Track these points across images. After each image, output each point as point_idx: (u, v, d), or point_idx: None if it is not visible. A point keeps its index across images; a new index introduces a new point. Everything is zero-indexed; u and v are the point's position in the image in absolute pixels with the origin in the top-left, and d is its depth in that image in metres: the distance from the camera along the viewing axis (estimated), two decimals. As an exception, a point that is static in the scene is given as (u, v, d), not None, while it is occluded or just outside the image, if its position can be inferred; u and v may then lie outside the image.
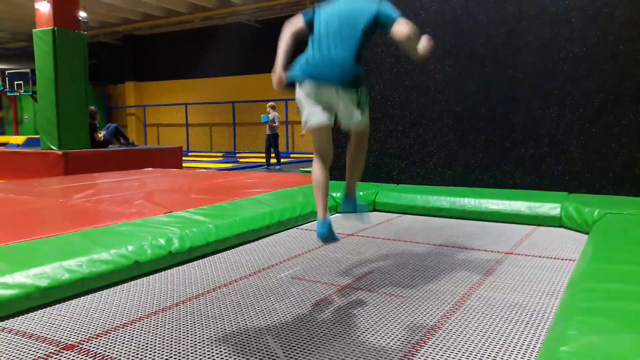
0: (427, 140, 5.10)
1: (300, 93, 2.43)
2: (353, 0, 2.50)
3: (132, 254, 2.64)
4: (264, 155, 13.04)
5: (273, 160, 12.28)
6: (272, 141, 12.00)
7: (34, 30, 8.38)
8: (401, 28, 2.28)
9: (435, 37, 4.91)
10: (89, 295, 2.41)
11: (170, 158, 9.39)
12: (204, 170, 9.49)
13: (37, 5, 8.51)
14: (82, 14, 10.13)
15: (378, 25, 2.40)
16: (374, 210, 4.68)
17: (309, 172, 11.10)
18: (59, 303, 2.31)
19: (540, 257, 3.06)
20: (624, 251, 2.55)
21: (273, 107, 12.29)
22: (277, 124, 12.08)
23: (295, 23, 2.57)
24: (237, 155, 17.03)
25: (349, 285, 2.56)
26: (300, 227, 3.97)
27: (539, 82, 4.49)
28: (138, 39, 21.12)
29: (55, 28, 8.15)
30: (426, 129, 5.10)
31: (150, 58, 21.29)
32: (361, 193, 4.65)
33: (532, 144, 4.57)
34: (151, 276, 2.71)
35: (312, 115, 2.42)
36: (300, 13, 2.61)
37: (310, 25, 2.53)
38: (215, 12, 17.57)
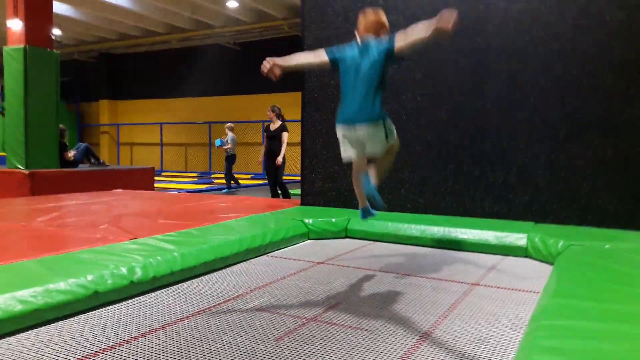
0: (399, 167, 5.14)
1: (339, 133, 2.96)
2: (367, 48, 2.88)
3: (92, 283, 2.56)
4: (240, 177, 12.94)
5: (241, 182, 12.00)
6: (228, 163, 11.60)
7: (4, 47, 8.26)
8: (402, 38, 2.78)
9: (407, 67, 5.03)
10: (43, 328, 2.33)
11: (142, 179, 9.25)
12: (176, 192, 9.38)
13: (9, 23, 8.39)
14: (56, 32, 10.01)
15: (391, 58, 2.84)
16: (346, 237, 4.67)
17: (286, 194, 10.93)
18: (10, 336, 2.22)
19: (505, 289, 3.08)
20: (586, 286, 2.57)
21: (231, 128, 11.89)
22: (230, 146, 11.52)
23: (320, 54, 3.02)
24: (213, 176, 16.91)
25: (314, 318, 2.52)
26: (270, 254, 3.92)
27: (506, 112, 4.59)
28: (114, 57, 21.01)
29: (27, 46, 8.04)
30: (398, 155, 5.12)
31: (126, 77, 21.16)
32: (333, 219, 4.65)
33: (501, 173, 4.64)
34: (111, 307, 2.63)
35: (344, 152, 2.98)
36: (322, 49, 3.05)
37: (334, 64, 2.97)
38: (193, 33, 17.62)
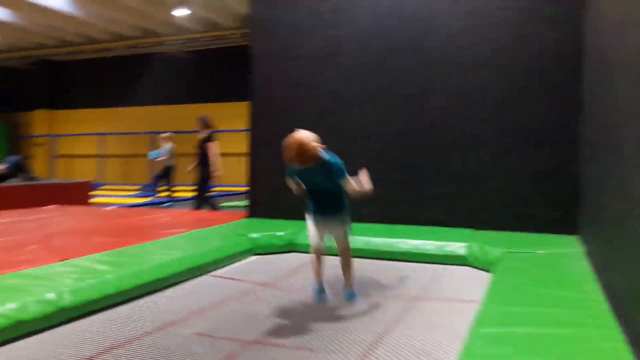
0: (345, 180, 5.15)
1: (308, 221, 3.21)
2: (315, 170, 2.99)
3: (14, 312, 2.36)
4: (185, 189, 12.46)
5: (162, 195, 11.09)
6: (164, 173, 10.90)
7: None
8: (353, 186, 3.07)
9: (353, 81, 5.06)
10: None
11: (77, 193, 8.82)
12: (114, 207, 8.99)
13: None
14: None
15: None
16: (292, 251, 4.59)
17: (232, 207, 10.68)
18: None
19: (446, 299, 3.12)
20: (520, 292, 2.69)
21: (168, 139, 11.15)
22: (166, 157, 10.78)
23: (293, 185, 3.22)
24: (156, 189, 16.40)
25: (257, 341, 2.44)
26: (213, 273, 3.77)
27: (447, 125, 4.74)
28: (53, 64, 20.05)
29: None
30: (345, 166, 5.14)
31: (66, 85, 20.25)
32: (279, 233, 4.56)
33: (441, 183, 4.76)
34: (36, 336, 2.43)
35: (311, 238, 3.18)
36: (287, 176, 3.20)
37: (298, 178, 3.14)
38: (140, 41, 17.11)
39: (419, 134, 4.83)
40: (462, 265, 3.99)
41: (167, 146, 10.93)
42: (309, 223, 3.18)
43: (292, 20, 5.34)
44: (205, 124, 7.66)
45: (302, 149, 2.84)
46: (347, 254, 3.20)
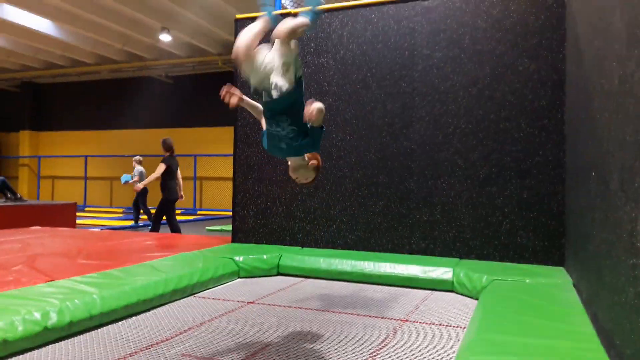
0: (330, 204, 5.22)
1: None
2: None
3: (0, 331, 2.37)
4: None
5: (144, 218, 11.01)
6: (138, 197, 10.86)
7: None
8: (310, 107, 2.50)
9: (337, 107, 5.18)
10: (-58, 383, 2.13)
11: (63, 215, 8.78)
12: (99, 229, 8.95)
13: None
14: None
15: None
16: (278, 274, 4.64)
17: (217, 230, 10.68)
18: None
19: (433, 324, 3.16)
20: (508, 320, 2.67)
21: (139, 162, 11.20)
22: (136, 179, 10.69)
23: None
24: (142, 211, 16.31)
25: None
26: (197, 295, 3.81)
27: (430, 153, 4.81)
28: (38, 86, 20.06)
29: (-61, 73, 7.54)
30: (329, 193, 5.23)
31: (51, 107, 20.21)
32: (264, 257, 4.61)
33: (426, 211, 4.82)
34: (21, 355, 2.45)
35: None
36: None
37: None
38: (125, 65, 17.22)
39: (402, 160, 4.91)
40: (448, 291, 4.04)
41: (138, 169, 10.94)
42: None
43: (279, 47, 5.46)
44: (165, 146, 7.69)
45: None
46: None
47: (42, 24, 13.78)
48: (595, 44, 2.67)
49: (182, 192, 7.80)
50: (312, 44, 5.31)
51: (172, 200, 7.61)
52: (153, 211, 8.45)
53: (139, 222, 11.34)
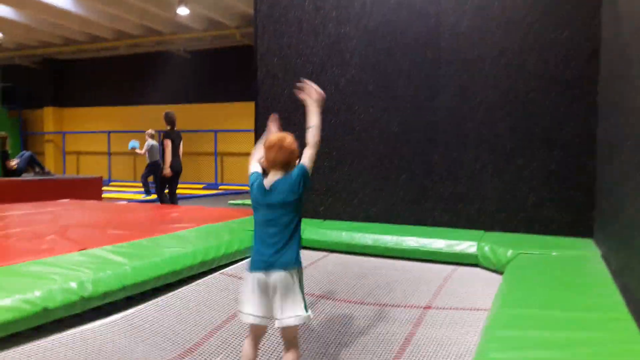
0: (352, 178, 5.20)
1: (247, 281, 2.29)
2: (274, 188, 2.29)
3: (40, 299, 2.44)
4: (192, 187, 12.55)
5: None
6: (150, 172, 11.01)
7: (-61, 50, 7.81)
8: (307, 156, 2.29)
9: (360, 78, 5.12)
10: None
11: (89, 189, 8.93)
12: (125, 202, 9.10)
13: (-56, 24, 7.95)
14: (-3, 35, 9.57)
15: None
16: (302, 248, 4.63)
17: (238, 204, 10.84)
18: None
19: (457, 309, 3.02)
20: (534, 294, 2.63)
21: (151, 136, 11.38)
22: (142, 152, 11.08)
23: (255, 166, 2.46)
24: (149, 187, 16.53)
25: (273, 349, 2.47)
26: (223, 272, 3.81)
27: (456, 125, 4.74)
28: (59, 63, 20.21)
29: (-36, 49, 7.64)
30: (351, 166, 5.21)
31: (72, 83, 20.40)
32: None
33: (450, 183, 4.77)
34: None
35: (244, 306, 2.26)
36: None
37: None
38: (143, 40, 17.22)
39: (427, 132, 4.85)
40: (472, 265, 3.95)
41: (149, 142, 11.11)
42: (245, 284, 2.22)
43: (297, 17, 5.38)
44: (166, 119, 7.90)
45: (282, 142, 2.26)
46: (294, 352, 2.18)
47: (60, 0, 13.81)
48: (637, 9, 2.56)
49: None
50: (334, 13, 5.22)
51: (175, 171, 7.80)
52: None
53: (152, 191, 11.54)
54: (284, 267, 2.12)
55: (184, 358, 2.48)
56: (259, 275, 2.14)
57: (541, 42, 4.43)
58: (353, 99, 5.10)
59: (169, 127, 7.98)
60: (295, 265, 2.16)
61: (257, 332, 2.22)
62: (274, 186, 2.24)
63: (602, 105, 4.00)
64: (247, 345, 2.21)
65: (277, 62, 5.50)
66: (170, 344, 2.58)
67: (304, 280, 2.20)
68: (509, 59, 4.53)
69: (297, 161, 2.28)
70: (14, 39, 17.66)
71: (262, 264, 2.15)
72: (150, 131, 11.55)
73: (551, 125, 4.40)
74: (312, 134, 2.34)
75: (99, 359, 2.33)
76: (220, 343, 2.62)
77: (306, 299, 2.17)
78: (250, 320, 2.15)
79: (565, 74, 4.35)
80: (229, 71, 16.97)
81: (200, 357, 2.50)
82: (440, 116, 4.79)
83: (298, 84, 2.49)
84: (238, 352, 2.48)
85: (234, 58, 16.62)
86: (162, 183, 7.99)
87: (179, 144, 7.96)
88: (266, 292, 2.13)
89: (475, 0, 4.65)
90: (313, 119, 2.40)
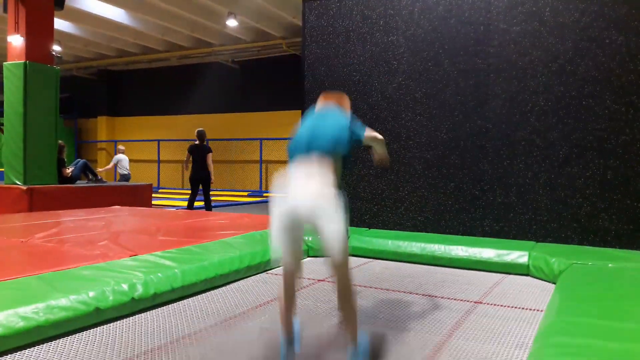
0: (399, 186, 5.15)
1: (273, 214, 2.18)
2: (327, 112, 2.49)
3: (93, 300, 2.53)
4: (237, 194, 12.86)
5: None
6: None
7: (4, 63, 8.27)
8: (372, 134, 2.52)
9: (407, 86, 5.08)
10: (45, 345, 2.29)
11: (140, 196, 9.21)
12: (174, 209, 9.34)
13: (9, 39, 8.43)
14: (57, 48, 10.06)
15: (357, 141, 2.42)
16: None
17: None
18: (12, 353, 2.18)
19: (508, 307, 3.06)
20: (589, 304, 2.56)
21: (122, 151, 12.38)
22: (109, 166, 12.29)
23: None
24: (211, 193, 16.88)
25: (317, 336, 2.50)
26: (270, 272, 3.90)
27: (506, 133, 4.62)
28: (113, 74, 21.08)
29: (27, 62, 8.06)
30: (398, 174, 5.17)
31: (125, 93, 21.21)
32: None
33: (500, 192, 4.65)
34: (112, 324, 2.60)
35: (275, 248, 2.22)
36: None
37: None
38: (193, 51, 17.73)
39: (476, 140, 4.76)
40: (523, 275, 3.87)
41: (117, 157, 12.00)
42: (275, 217, 2.05)
43: (345, 26, 5.41)
44: (196, 135, 9.06)
45: (339, 94, 2.72)
46: (345, 286, 2.02)
47: (116, 13, 14.41)
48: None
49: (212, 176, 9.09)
50: (381, 22, 5.22)
51: (191, 180, 8.92)
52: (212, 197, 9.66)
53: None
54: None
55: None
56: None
57: (595, 47, 4.27)
58: (400, 107, 5.07)
59: (197, 142, 8.96)
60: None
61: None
62: (324, 112, 2.45)
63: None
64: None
65: (324, 71, 5.54)
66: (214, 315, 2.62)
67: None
68: (561, 65, 4.40)
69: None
70: (73, 52, 18.53)
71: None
72: (120, 147, 12.54)
73: (606, 133, 4.24)
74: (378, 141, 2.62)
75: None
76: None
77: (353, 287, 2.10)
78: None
79: (621, 79, 4.19)
80: (274, 80, 17.22)
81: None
82: (490, 124, 4.69)
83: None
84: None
85: (279, 67, 16.87)
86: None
87: (203, 156, 8.90)
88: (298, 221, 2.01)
89: (526, 5, 4.54)
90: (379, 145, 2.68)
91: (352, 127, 2.35)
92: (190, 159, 8.90)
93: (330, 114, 2.44)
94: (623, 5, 4.17)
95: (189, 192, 9.51)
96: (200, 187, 9.05)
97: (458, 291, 3.42)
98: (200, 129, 9.17)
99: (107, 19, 14.41)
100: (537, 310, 2.98)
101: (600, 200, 4.26)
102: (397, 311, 2.95)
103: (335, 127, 2.28)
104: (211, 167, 8.97)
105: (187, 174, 9.32)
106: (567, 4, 4.38)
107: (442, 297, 3.25)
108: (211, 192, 9.95)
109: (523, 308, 3.04)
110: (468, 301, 3.17)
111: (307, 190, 2.02)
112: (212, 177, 9.05)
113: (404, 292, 3.36)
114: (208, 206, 9.21)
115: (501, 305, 3.08)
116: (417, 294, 3.34)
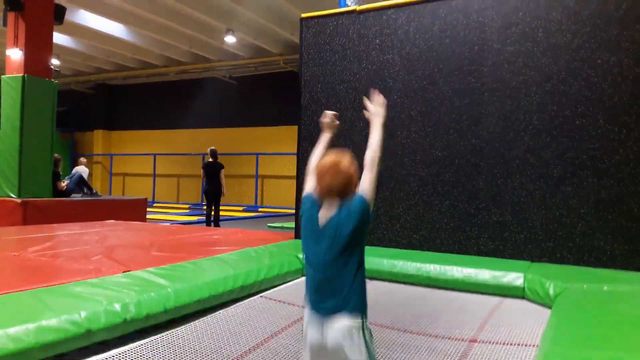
0: (394, 203, 5.16)
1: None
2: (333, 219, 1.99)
3: (85, 321, 2.50)
4: (232, 209, 12.92)
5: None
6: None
7: (2, 76, 8.30)
8: (372, 185, 1.99)
9: (402, 104, 5.11)
10: (34, 366, 2.26)
11: (134, 210, 9.20)
12: (168, 223, 9.31)
13: (8, 52, 8.47)
14: (55, 62, 10.09)
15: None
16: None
17: (277, 227, 11.29)
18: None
19: (504, 344, 2.93)
20: (586, 331, 2.50)
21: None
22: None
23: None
24: (205, 207, 16.85)
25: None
26: (264, 295, 3.84)
27: (500, 151, 4.64)
28: (110, 88, 21.16)
29: (26, 75, 8.09)
30: (393, 191, 5.17)
31: (122, 107, 21.27)
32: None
33: (495, 211, 4.66)
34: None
35: None
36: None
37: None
38: (191, 66, 17.84)
39: (470, 158, 4.77)
40: (519, 297, 3.82)
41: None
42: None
43: (341, 44, 5.45)
44: (209, 153, 9.88)
45: (338, 166, 1.94)
46: None
47: (114, 28, 14.52)
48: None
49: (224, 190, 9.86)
50: (377, 41, 5.26)
51: (206, 194, 9.77)
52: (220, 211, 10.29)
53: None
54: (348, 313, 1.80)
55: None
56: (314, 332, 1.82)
57: (588, 67, 4.32)
58: (395, 124, 5.09)
59: (210, 159, 9.74)
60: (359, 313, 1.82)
61: None
62: (329, 224, 1.90)
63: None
64: None
65: (320, 89, 5.57)
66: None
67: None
68: (555, 85, 4.44)
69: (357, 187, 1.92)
70: (71, 65, 18.61)
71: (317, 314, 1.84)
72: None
73: (600, 152, 4.25)
74: (371, 151, 2.01)
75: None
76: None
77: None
78: None
79: (613, 99, 4.22)
80: (271, 96, 17.32)
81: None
82: (485, 142, 4.71)
83: (365, 97, 2.20)
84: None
85: (277, 84, 16.99)
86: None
87: (217, 172, 9.60)
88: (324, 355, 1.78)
89: (519, 26, 4.59)
90: (374, 135, 2.08)
91: (362, 225, 1.93)
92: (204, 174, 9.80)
93: (337, 240, 1.91)
94: (614, 27, 4.23)
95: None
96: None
97: (452, 325, 3.26)
98: (212, 147, 10.00)
99: (106, 33, 14.51)
100: (534, 345, 2.85)
101: (595, 220, 4.27)
102: (388, 355, 2.81)
103: (349, 270, 1.93)
104: (223, 182, 9.74)
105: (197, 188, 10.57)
106: (560, 25, 4.44)
107: (435, 336, 3.09)
108: (205, 207, 10.23)
109: (519, 344, 2.91)
110: (462, 340, 3.03)
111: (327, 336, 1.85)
112: (224, 191, 9.83)
113: (399, 330, 3.19)
114: (216, 220, 9.81)
115: (497, 343, 2.95)
116: (411, 332, 3.17)
